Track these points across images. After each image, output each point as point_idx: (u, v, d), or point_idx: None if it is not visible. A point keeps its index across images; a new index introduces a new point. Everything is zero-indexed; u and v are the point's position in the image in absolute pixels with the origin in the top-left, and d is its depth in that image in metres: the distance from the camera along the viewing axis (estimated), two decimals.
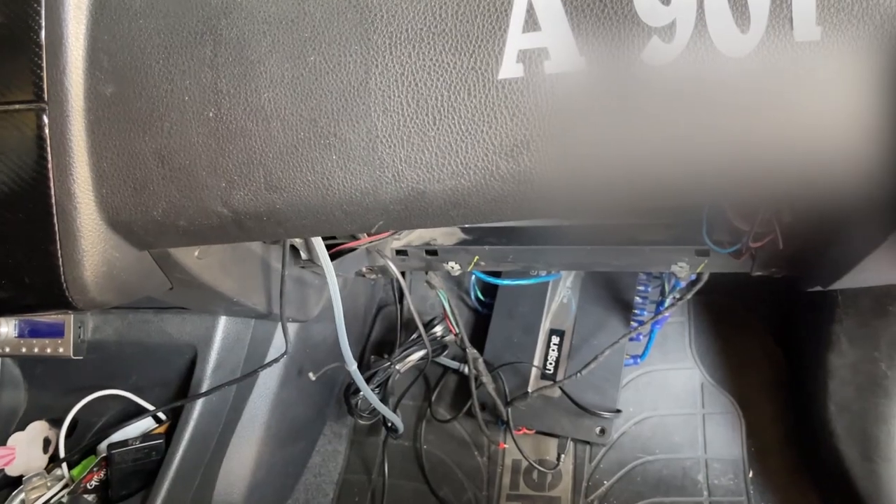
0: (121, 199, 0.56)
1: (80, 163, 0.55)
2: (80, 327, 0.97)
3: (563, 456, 1.18)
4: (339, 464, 1.29)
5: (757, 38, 0.45)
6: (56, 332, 0.96)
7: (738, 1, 0.45)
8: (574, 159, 0.50)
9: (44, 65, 0.53)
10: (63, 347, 0.96)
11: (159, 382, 0.98)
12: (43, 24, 0.52)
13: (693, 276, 0.99)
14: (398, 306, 1.37)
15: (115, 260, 0.59)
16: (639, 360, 1.23)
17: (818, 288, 0.83)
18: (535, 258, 1.00)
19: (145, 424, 0.96)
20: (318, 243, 0.83)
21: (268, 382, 1.05)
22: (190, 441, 0.92)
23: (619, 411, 1.16)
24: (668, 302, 1.13)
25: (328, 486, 1.26)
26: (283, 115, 0.52)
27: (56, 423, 0.98)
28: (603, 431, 1.16)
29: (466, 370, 1.18)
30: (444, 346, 1.24)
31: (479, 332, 1.30)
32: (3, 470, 0.97)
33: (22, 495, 0.93)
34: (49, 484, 0.93)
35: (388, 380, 1.19)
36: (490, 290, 1.32)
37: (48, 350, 0.96)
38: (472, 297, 1.35)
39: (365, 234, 0.90)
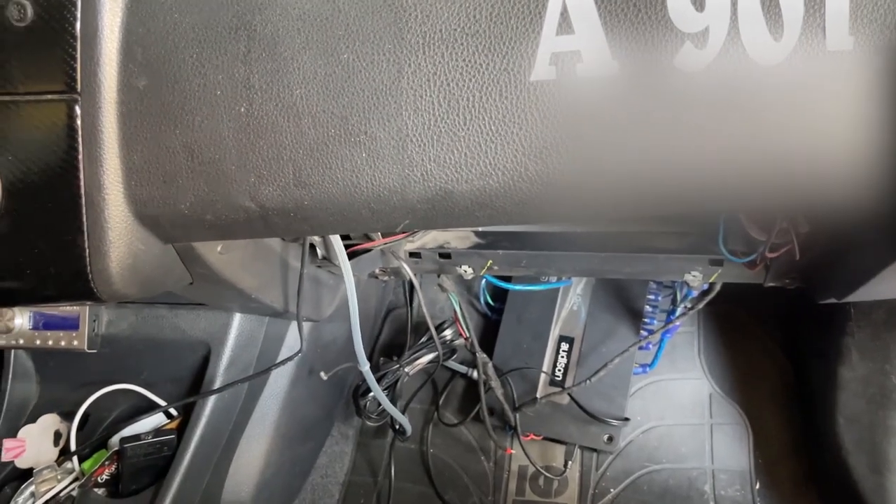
0: (149, 192, 0.56)
1: (110, 154, 0.55)
2: (94, 321, 0.97)
3: (570, 463, 1.18)
4: (346, 465, 1.29)
5: (790, 47, 0.45)
6: (71, 324, 0.96)
7: (772, 9, 0.45)
8: (603, 163, 0.50)
9: (78, 56, 0.53)
10: (77, 340, 0.96)
11: (171, 378, 0.98)
12: (79, 15, 0.52)
13: (705, 286, 0.99)
14: (409, 308, 1.37)
15: (140, 253, 0.59)
16: (648, 369, 1.23)
17: (832, 300, 0.84)
18: (549, 263, 1.01)
19: (156, 420, 0.96)
20: (337, 242, 0.83)
21: (279, 381, 1.05)
22: (201, 437, 0.92)
23: (627, 419, 1.16)
24: (679, 311, 1.14)
25: (334, 488, 1.26)
26: (314, 111, 0.52)
27: (67, 416, 0.99)
28: (611, 439, 1.16)
29: (475, 374, 1.19)
30: (454, 350, 1.25)
31: (487, 337, 1.30)
32: (13, 462, 0.97)
33: (32, 488, 0.93)
34: (59, 477, 0.94)
35: (396, 382, 1.19)
36: (500, 295, 1.32)
37: (62, 343, 0.96)
38: (482, 301, 1.35)
39: (380, 235, 0.91)
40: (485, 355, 1.14)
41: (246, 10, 0.53)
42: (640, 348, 1.22)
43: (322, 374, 1.05)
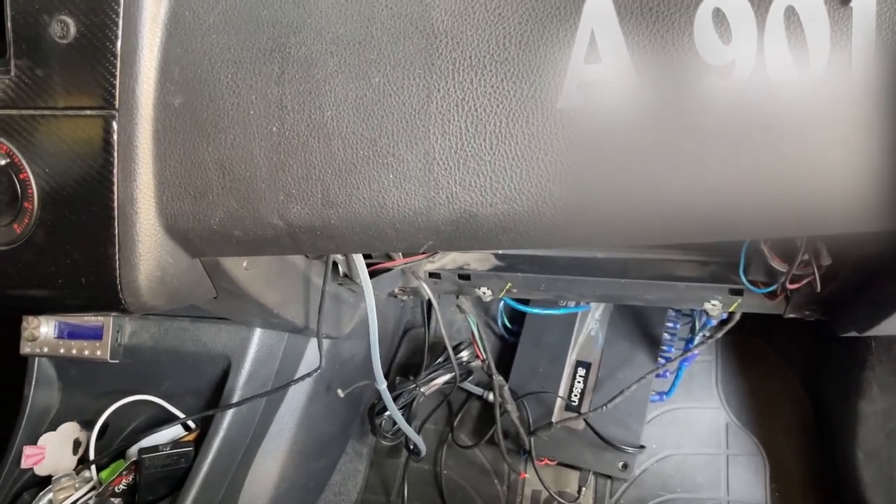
0: (180, 207, 0.58)
1: (144, 169, 0.56)
2: (117, 331, 0.98)
3: (583, 489, 1.18)
4: (359, 483, 1.29)
5: (816, 77, 0.46)
6: (94, 334, 0.98)
7: (798, 40, 0.46)
8: (627, 190, 0.51)
9: (118, 73, 0.55)
10: (100, 350, 0.97)
11: (191, 390, 0.99)
12: (120, 34, 0.54)
13: (724, 315, 0.99)
14: (426, 328, 1.38)
15: (168, 266, 0.61)
16: (665, 397, 1.22)
17: (853, 333, 0.83)
18: (568, 288, 1.01)
19: (174, 432, 0.97)
20: (360, 261, 0.84)
21: (297, 397, 1.06)
22: (218, 451, 0.92)
23: (642, 447, 1.15)
24: (697, 339, 1.13)
25: None
26: (344, 133, 0.54)
27: (87, 424, 1.00)
28: (626, 466, 1.15)
29: (491, 397, 1.19)
30: (470, 372, 1.25)
31: (504, 360, 1.31)
32: (32, 469, 0.98)
33: (50, 495, 0.94)
34: (77, 485, 0.94)
35: (412, 402, 1.19)
36: (517, 318, 1.33)
37: (86, 352, 0.98)
38: (499, 323, 1.35)
39: (401, 255, 0.92)
40: (501, 378, 1.14)
41: (281, 33, 0.54)
42: (658, 376, 1.21)
43: (339, 391, 1.05)
